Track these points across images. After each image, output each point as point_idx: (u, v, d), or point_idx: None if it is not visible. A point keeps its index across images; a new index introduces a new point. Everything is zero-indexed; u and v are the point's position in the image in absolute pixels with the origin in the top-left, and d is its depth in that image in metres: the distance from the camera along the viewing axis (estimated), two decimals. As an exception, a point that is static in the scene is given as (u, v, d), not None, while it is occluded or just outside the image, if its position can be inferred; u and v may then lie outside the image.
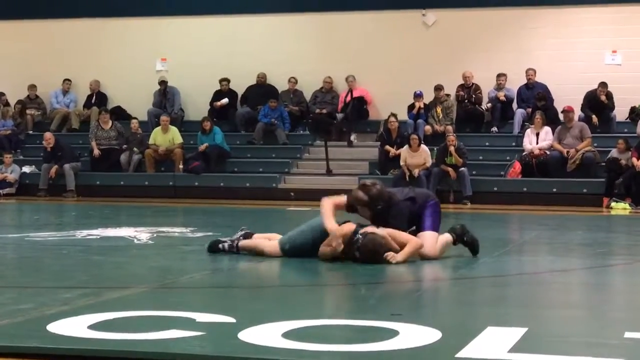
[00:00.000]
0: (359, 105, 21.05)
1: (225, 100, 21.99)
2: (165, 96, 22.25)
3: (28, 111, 22.91)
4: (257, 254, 8.17)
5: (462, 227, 8.28)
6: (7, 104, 22.87)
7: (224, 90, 22.11)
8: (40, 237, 10.15)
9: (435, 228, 8.17)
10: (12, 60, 23.48)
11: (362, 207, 8.01)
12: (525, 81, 20.40)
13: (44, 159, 20.65)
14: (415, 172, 18.39)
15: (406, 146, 18.79)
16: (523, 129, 19.78)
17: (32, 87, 23.24)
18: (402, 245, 7.75)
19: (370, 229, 7.81)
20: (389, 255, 7.63)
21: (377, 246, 7.65)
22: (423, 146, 18.87)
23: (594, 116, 19.56)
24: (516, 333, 4.64)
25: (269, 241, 8.21)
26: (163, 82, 22.21)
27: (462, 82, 20.61)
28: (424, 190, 9.25)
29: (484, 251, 8.10)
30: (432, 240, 8.07)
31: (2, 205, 18.38)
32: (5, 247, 9.66)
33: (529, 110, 20.00)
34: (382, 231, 7.81)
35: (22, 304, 5.57)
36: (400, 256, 7.67)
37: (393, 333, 4.64)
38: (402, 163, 18.68)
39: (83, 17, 23.07)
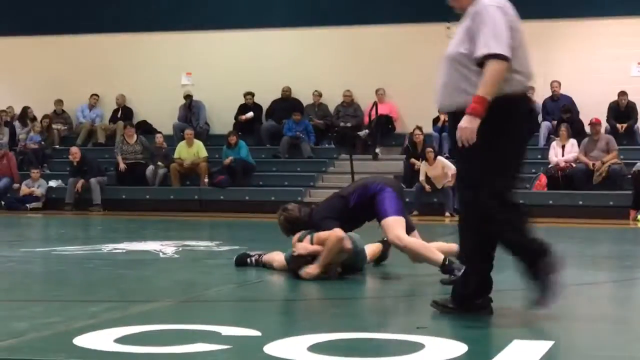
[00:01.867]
0: (386, 123, 21.00)
1: (250, 114, 22.02)
2: (191, 110, 22.32)
3: (54, 126, 23.05)
4: (270, 267, 8.18)
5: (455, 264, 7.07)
6: (34, 119, 23.02)
7: (249, 104, 22.15)
8: (67, 251, 10.20)
9: (396, 211, 7.44)
10: (38, 75, 23.62)
11: (292, 229, 8.01)
12: (550, 94, 20.32)
13: (70, 173, 20.75)
14: (440, 185, 18.38)
15: (424, 160, 18.80)
16: (549, 141, 19.69)
17: (59, 102, 23.39)
18: None
19: (297, 247, 7.70)
20: (303, 274, 7.53)
21: (294, 268, 7.62)
22: (440, 158, 18.79)
23: (619, 125, 19.45)
24: (543, 346, 4.61)
25: (278, 255, 8.21)
26: (188, 96, 22.28)
27: (487, 94, 20.50)
28: (369, 179, 8.17)
29: (509, 264, 8.02)
30: (394, 226, 7.37)
31: (30, 219, 18.48)
32: (33, 261, 9.69)
33: (555, 122, 19.92)
34: (315, 240, 7.67)
35: (49, 317, 5.59)
36: (313, 269, 7.53)
37: (419, 346, 4.62)
38: (421, 178, 18.61)
39: (109, 32, 23.16)
